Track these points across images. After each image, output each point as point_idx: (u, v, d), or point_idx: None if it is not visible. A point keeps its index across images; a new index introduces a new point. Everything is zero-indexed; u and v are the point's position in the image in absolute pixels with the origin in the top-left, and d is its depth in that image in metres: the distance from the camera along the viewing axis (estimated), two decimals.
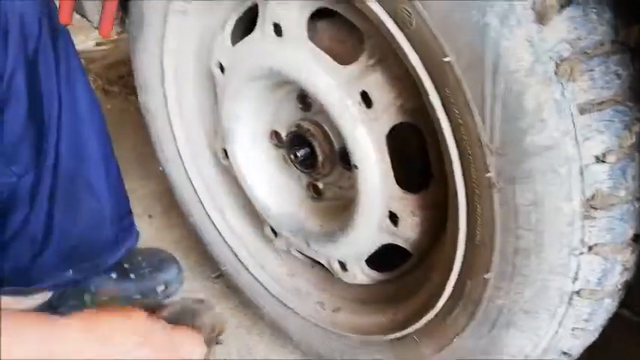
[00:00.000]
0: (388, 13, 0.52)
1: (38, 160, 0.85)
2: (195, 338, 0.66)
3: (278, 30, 0.69)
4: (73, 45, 0.90)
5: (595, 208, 0.47)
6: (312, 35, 0.68)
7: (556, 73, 0.44)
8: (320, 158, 0.79)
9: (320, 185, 0.86)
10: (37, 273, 0.96)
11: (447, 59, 0.47)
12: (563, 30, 0.44)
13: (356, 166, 0.68)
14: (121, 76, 2.24)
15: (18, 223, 0.91)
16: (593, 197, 0.47)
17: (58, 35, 0.87)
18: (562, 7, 0.44)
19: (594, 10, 0.45)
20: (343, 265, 0.82)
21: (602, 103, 0.45)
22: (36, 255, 0.94)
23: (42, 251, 0.94)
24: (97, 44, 2.38)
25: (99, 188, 0.96)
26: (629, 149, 0.46)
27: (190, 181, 1.02)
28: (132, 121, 1.00)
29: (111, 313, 0.61)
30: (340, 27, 0.68)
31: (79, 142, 0.90)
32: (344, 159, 0.79)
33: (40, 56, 0.81)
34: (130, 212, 1.07)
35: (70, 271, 0.99)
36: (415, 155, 0.66)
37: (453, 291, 0.63)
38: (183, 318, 0.69)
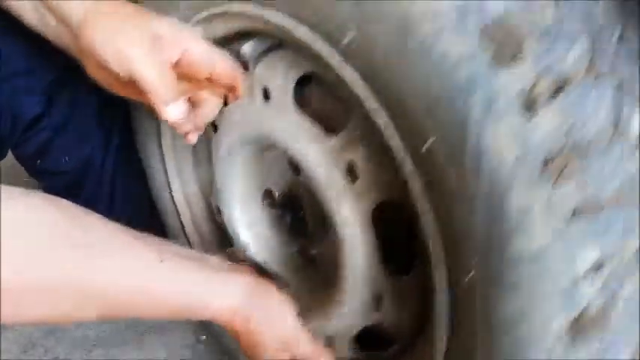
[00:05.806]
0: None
1: (106, 140, 0.94)
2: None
3: (266, 94, 0.67)
4: None
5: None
6: (301, 101, 0.65)
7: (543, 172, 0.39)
8: (310, 224, 0.76)
9: (313, 252, 0.82)
10: None
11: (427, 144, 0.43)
12: (555, 121, 0.40)
13: (342, 240, 0.64)
14: None
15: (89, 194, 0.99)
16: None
17: None
18: (552, 96, 0.40)
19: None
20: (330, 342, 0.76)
21: (598, 204, 0.40)
22: None
23: None
24: None
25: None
26: (628, 260, 0.40)
27: (185, 234, 1.00)
28: None
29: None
30: (329, 94, 0.65)
31: None
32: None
33: None
34: None
35: None
36: (402, 235, 0.62)
37: None
38: None
